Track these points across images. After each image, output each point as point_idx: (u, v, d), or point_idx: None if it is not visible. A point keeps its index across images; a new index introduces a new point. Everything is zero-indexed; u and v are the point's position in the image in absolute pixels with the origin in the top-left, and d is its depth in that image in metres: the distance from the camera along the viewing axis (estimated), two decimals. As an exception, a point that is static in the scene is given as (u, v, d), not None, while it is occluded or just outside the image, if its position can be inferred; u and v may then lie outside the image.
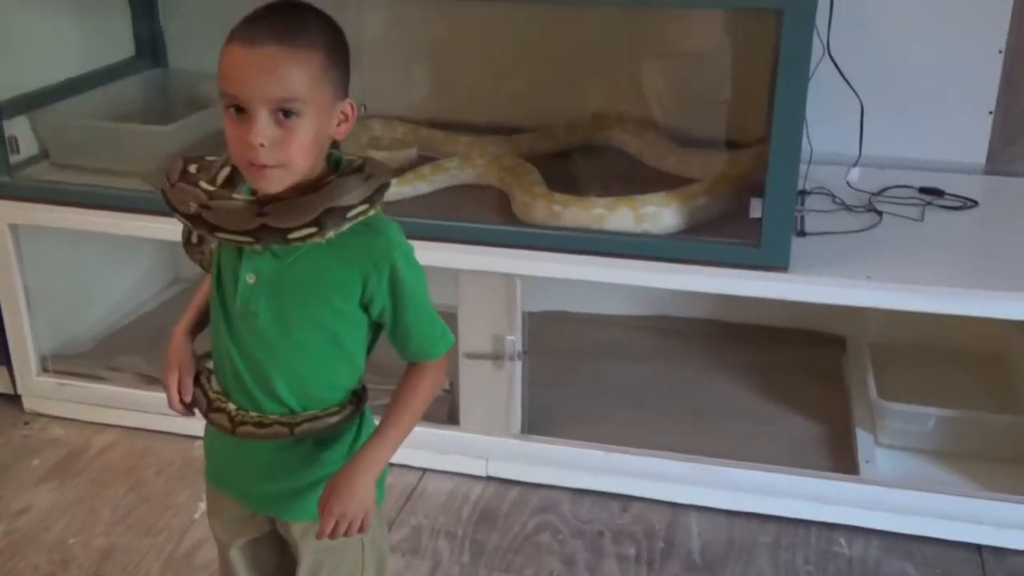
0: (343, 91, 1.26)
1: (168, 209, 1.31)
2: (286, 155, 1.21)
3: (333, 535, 1.31)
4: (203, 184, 1.30)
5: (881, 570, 2.04)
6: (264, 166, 1.21)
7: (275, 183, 1.23)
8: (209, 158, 1.37)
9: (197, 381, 1.40)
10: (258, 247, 1.27)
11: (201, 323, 1.43)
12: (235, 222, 1.24)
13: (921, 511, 2.10)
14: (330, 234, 1.24)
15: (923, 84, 2.42)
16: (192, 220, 1.28)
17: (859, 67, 2.24)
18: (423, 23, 2.66)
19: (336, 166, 1.29)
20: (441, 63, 2.66)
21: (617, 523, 2.18)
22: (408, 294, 1.29)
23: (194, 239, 1.42)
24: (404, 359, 1.35)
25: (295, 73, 1.19)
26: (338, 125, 1.26)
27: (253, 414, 1.34)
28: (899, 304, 2.01)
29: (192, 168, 1.34)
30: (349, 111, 1.27)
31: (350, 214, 1.24)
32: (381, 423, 1.34)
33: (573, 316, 2.76)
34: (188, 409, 1.41)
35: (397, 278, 1.28)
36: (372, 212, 1.27)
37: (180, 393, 1.40)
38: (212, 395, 1.38)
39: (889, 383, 2.29)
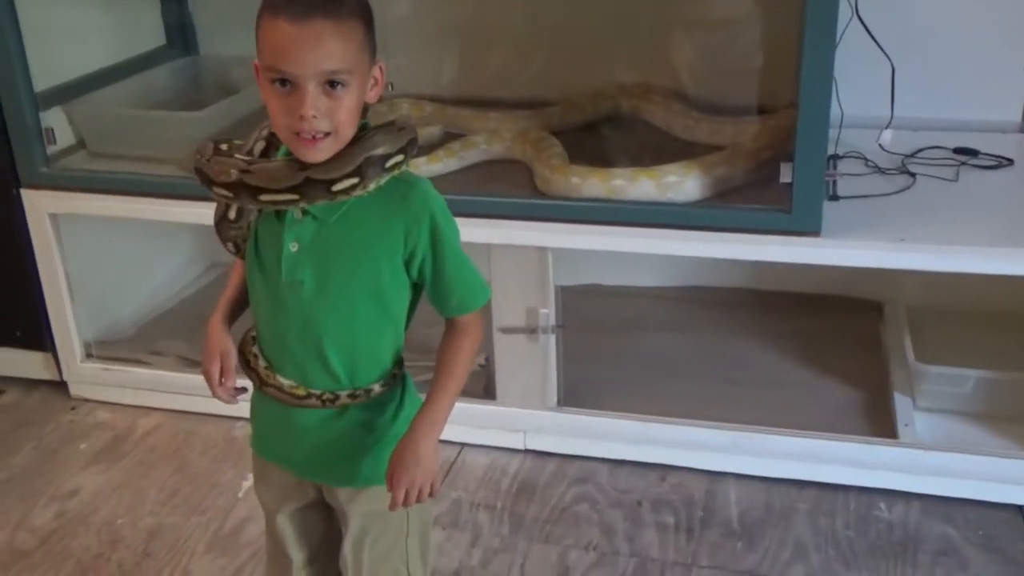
0: (374, 55, 1.28)
1: (205, 188, 1.33)
2: (335, 124, 1.23)
3: (406, 504, 1.34)
4: (238, 156, 1.33)
5: (922, 533, 2.04)
6: (314, 138, 1.23)
7: (324, 153, 1.25)
8: (236, 141, 1.39)
9: (246, 362, 1.42)
10: (299, 213, 1.29)
11: (235, 311, 1.45)
12: (279, 180, 1.26)
13: (961, 473, 2.09)
14: (371, 185, 1.27)
15: (955, 43, 2.38)
16: (234, 188, 1.29)
17: (889, 28, 2.21)
18: (448, 1, 2.66)
19: (363, 129, 1.31)
20: (467, 40, 2.67)
21: (655, 492, 2.19)
22: (447, 245, 1.31)
23: (231, 215, 1.41)
24: (444, 315, 1.37)
25: (343, 45, 1.22)
26: (371, 89, 1.28)
27: (293, 385, 1.37)
28: (933, 266, 1.99)
29: (223, 146, 1.36)
30: (379, 74, 1.29)
31: (388, 163, 1.27)
32: (432, 387, 1.36)
33: (607, 288, 2.76)
34: (232, 397, 1.44)
35: (436, 229, 1.30)
36: (405, 166, 1.30)
37: (223, 381, 1.43)
38: (262, 372, 1.40)
39: (927, 346, 2.27)
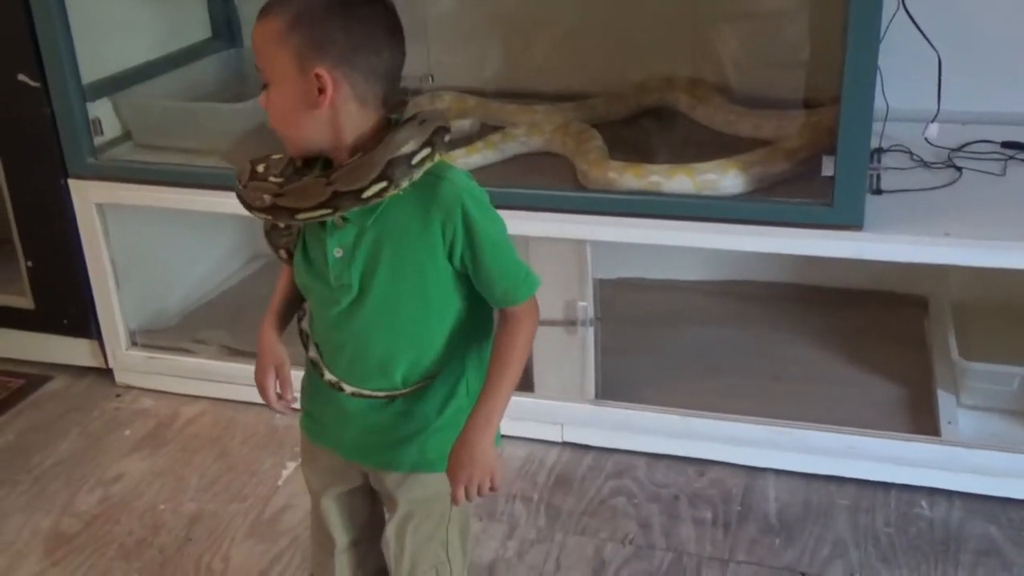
0: (312, 59, 1.25)
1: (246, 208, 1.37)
2: (271, 121, 1.30)
3: (468, 499, 1.35)
4: (272, 179, 1.35)
5: (964, 532, 2.01)
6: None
7: (287, 147, 1.34)
8: (274, 156, 1.41)
9: (304, 345, 1.44)
10: (339, 220, 1.31)
11: (285, 317, 1.47)
12: (309, 199, 1.29)
13: (1005, 472, 2.05)
14: (404, 183, 1.28)
15: (1003, 35, 2.34)
16: (271, 212, 1.33)
17: (936, 20, 2.17)
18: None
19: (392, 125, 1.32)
20: (510, 33, 2.66)
21: (693, 487, 2.18)
22: (483, 236, 1.30)
23: (281, 223, 1.43)
24: (494, 305, 1.37)
25: (256, 45, 1.28)
26: (319, 96, 1.25)
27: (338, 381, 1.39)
28: (979, 261, 1.96)
29: (260, 168, 1.39)
30: (323, 83, 1.25)
31: (415, 160, 1.27)
32: (487, 382, 1.36)
33: (648, 282, 2.75)
34: (288, 408, 1.46)
35: (469, 219, 1.29)
36: (437, 157, 1.30)
37: (281, 393, 1.45)
38: (313, 358, 1.42)
39: (972, 343, 2.24)
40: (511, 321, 1.36)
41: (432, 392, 1.39)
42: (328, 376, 1.41)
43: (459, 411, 1.38)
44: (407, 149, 1.26)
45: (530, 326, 1.37)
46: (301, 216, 1.30)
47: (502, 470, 1.36)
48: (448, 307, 1.36)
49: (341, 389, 1.39)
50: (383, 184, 1.26)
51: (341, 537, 1.53)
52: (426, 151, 1.28)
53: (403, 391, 1.37)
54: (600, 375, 2.26)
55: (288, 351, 1.46)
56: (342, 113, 1.27)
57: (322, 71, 1.25)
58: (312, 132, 1.29)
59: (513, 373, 1.35)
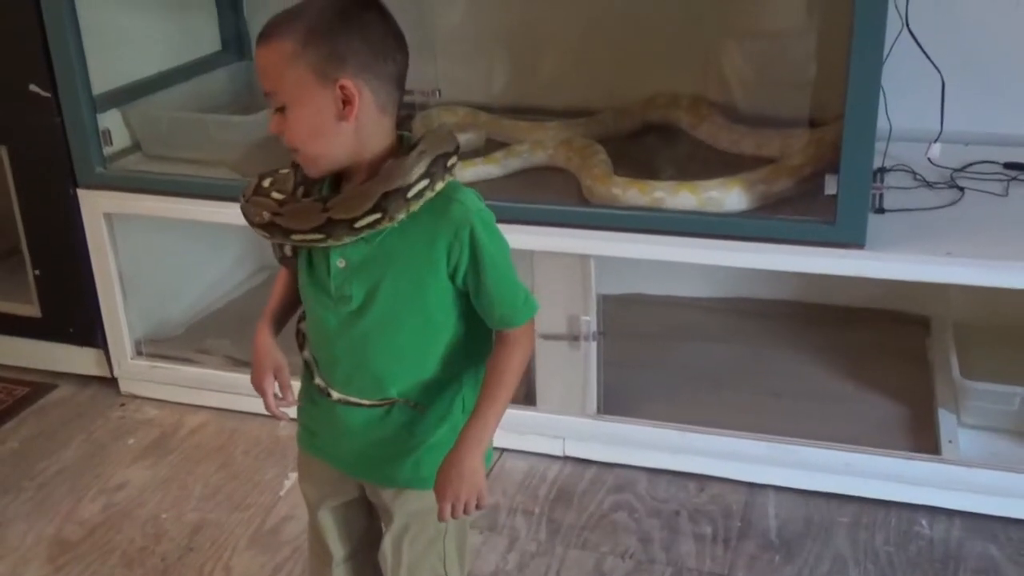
0: (333, 72, 1.24)
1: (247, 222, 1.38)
2: (292, 143, 1.28)
3: (454, 516, 1.35)
4: (274, 195, 1.36)
5: (964, 551, 2.01)
6: (295, 151, 1.29)
7: (310, 169, 1.32)
8: (283, 171, 1.42)
9: (300, 346, 1.45)
10: (333, 242, 1.31)
11: (281, 321, 1.47)
12: (304, 222, 1.30)
13: (1005, 492, 2.06)
14: (400, 216, 1.28)
15: (1006, 56, 2.36)
16: (268, 229, 1.34)
17: (939, 40, 2.18)
18: (501, 9, 2.68)
19: (401, 141, 1.33)
20: (519, 49, 2.68)
21: (694, 502, 2.19)
22: (487, 259, 1.31)
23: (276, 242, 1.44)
24: (490, 327, 1.37)
25: (266, 68, 1.26)
26: (344, 108, 1.26)
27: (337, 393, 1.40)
28: (981, 280, 1.97)
29: (266, 183, 1.40)
30: (344, 93, 1.25)
31: (410, 194, 1.27)
32: (479, 401, 1.36)
33: (651, 298, 2.76)
34: (290, 406, 1.46)
35: (476, 242, 1.30)
36: (439, 185, 1.30)
37: (282, 396, 1.45)
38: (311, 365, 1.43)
39: (973, 362, 2.24)
40: (507, 343, 1.36)
41: (427, 407, 1.39)
42: (318, 379, 1.41)
43: (454, 429, 1.38)
44: (402, 183, 1.26)
45: (526, 348, 1.37)
46: (295, 238, 1.32)
47: (488, 489, 1.36)
48: (447, 325, 1.36)
49: (328, 395, 1.40)
50: (377, 216, 1.27)
51: (338, 550, 1.53)
52: (423, 183, 1.28)
53: (394, 400, 1.37)
54: (602, 390, 2.27)
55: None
56: (365, 123, 1.28)
57: (346, 82, 1.25)
58: (337, 148, 1.28)
59: (506, 394, 1.36)
